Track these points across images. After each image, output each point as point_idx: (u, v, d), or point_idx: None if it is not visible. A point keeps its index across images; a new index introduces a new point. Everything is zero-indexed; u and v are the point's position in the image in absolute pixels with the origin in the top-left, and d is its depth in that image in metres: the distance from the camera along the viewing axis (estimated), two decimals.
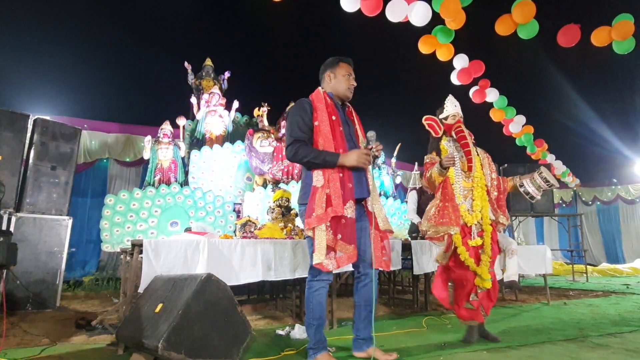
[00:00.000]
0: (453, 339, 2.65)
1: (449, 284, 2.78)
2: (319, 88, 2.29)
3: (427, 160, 2.73)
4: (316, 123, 2.12)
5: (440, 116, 2.81)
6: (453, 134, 2.72)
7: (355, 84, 2.29)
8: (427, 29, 5.39)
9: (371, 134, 2.13)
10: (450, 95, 2.86)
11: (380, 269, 2.21)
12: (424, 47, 5.64)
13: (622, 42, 4.94)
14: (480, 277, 2.54)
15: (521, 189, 2.71)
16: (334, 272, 2.09)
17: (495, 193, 2.73)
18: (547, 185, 2.66)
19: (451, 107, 2.80)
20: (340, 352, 2.36)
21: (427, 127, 2.76)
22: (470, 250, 2.54)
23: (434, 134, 2.74)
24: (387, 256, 2.22)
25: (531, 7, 4.77)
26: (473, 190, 2.62)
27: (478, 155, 2.76)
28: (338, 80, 2.25)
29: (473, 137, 2.77)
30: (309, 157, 2.06)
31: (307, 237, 2.11)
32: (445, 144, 2.73)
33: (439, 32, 5.38)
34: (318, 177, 2.06)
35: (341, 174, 2.04)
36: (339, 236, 1.99)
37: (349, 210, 2.01)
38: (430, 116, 2.78)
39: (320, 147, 2.09)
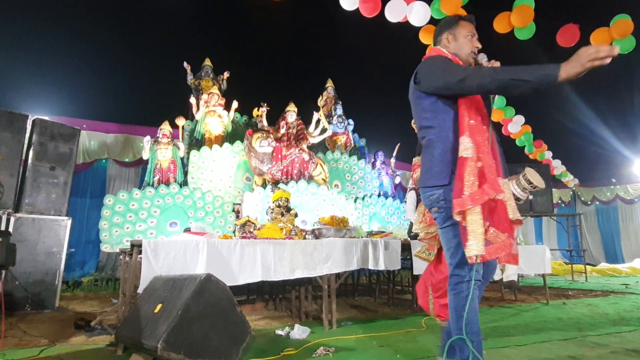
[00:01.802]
0: None
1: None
2: (437, 47, 1.86)
3: (415, 162, 2.76)
4: None
5: None
6: None
7: (480, 46, 1.83)
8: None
9: (481, 55, 1.84)
10: None
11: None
12: (425, 37, 5.56)
13: (622, 40, 4.95)
14: None
15: None
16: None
17: None
18: (532, 187, 2.67)
19: None
20: (340, 352, 2.36)
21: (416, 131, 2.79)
22: None
23: None
24: (506, 252, 1.66)
25: (529, 12, 4.77)
26: None
27: None
28: (459, 43, 1.81)
29: None
30: (511, 74, 1.46)
31: (449, 226, 1.65)
32: None
33: None
34: (466, 145, 1.57)
35: (491, 143, 1.61)
36: (487, 223, 1.59)
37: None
38: None
39: (463, 109, 1.63)
